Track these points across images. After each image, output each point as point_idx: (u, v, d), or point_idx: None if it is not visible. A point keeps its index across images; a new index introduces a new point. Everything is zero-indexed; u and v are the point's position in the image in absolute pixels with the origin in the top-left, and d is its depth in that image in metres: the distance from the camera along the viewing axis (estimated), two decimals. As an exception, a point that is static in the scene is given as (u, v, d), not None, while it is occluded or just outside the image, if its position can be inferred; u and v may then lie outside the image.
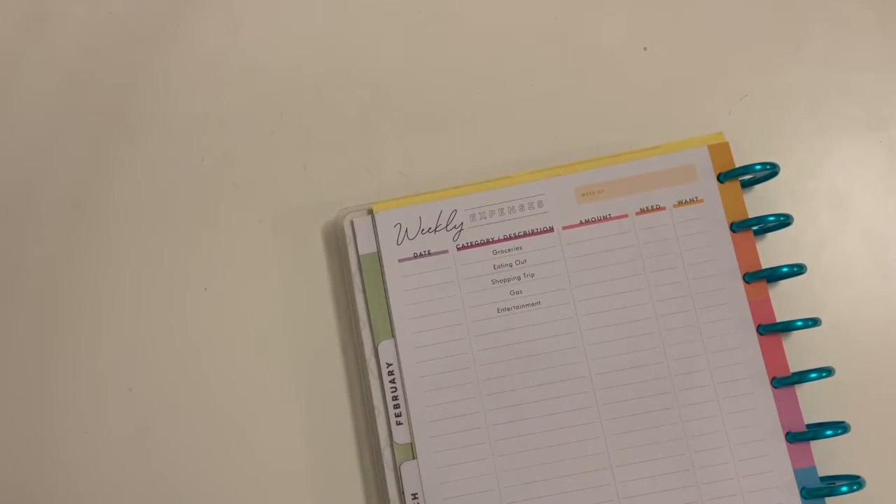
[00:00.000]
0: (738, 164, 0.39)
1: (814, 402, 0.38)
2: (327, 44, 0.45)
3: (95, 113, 0.44)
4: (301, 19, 0.45)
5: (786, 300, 0.39)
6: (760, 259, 0.39)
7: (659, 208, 0.39)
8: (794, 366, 0.38)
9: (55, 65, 0.45)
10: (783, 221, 0.39)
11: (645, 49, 0.44)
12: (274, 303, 0.42)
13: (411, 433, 0.38)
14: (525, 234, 0.40)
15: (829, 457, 0.37)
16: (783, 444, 0.37)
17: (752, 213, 0.39)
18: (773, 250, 0.40)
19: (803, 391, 0.38)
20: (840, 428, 0.36)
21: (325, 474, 0.40)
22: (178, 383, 0.41)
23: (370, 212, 0.41)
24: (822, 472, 0.37)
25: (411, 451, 0.38)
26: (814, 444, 0.37)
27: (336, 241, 0.42)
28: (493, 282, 0.40)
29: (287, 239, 0.43)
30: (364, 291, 0.40)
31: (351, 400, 0.41)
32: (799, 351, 0.39)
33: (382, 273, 0.40)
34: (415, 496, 0.38)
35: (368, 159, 0.43)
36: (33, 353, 0.42)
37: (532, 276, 0.39)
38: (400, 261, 0.40)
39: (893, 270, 0.41)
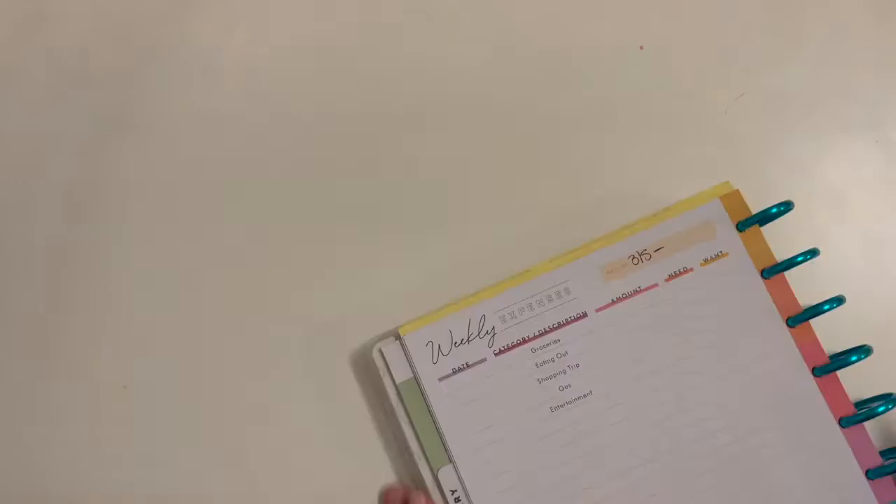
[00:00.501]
0: (749, 202, 0.39)
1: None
2: (327, 44, 0.44)
3: (94, 112, 0.44)
4: (301, 19, 0.44)
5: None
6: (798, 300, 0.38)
7: (686, 271, 0.39)
8: None
9: (54, 64, 0.44)
10: (811, 256, 0.38)
11: (641, 48, 0.43)
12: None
13: (495, 558, 0.37)
14: (560, 325, 0.39)
15: None
16: (865, 483, 0.36)
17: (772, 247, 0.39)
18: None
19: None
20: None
21: None
22: (174, 381, 0.41)
23: (398, 337, 0.39)
24: None
25: (499, 577, 0.37)
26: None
27: (367, 372, 0.40)
28: (539, 381, 0.38)
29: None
30: (410, 420, 0.38)
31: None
32: None
33: (424, 397, 0.38)
34: None
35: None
36: (30, 351, 0.41)
37: (577, 366, 0.38)
38: (440, 379, 0.38)
39: (890, 270, 0.41)
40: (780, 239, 0.40)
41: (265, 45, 0.44)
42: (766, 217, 0.39)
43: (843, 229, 0.41)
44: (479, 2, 0.44)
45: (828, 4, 0.44)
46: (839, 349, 0.39)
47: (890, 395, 0.37)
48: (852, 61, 0.43)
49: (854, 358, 0.37)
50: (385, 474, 0.40)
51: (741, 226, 0.39)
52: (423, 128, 0.43)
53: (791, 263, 0.38)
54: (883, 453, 0.37)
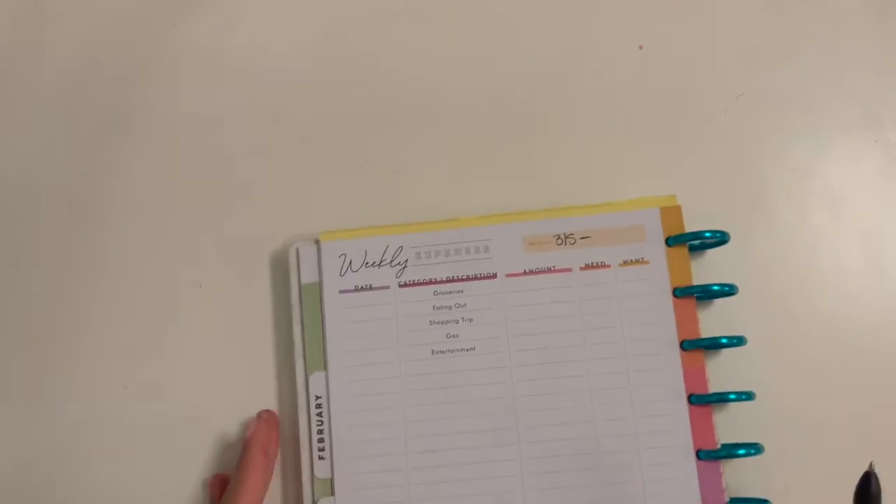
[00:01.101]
0: (688, 227, 0.39)
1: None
2: (326, 43, 0.45)
3: (92, 112, 0.45)
4: (299, 19, 0.45)
5: (778, 297, 0.40)
6: (700, 328, 0.38)
7: (604, 266, 0.39)
8: (786, 360, 0.38)
9: (53, 63, 0.45)
10: (727, 291, 0.38)
11: (641, 48, 0.43)
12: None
13: (332, 469, 0.38)
14: (468, 278, 0.39)
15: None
16: (702, 519, 0.36)
17: (699, 279, 0.39)
18: (767, 266, 0.40)
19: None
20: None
21: None
22: (174, 381, 0.41)
23: (317, 241, 0.40)
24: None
25: (330, 488, 0.38)
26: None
27: (282, 268, 0.42)
28: (431, 322, 0.39)
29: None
30: (302, 322, 0.40)
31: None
32: (795, 352, 0.39)
33: (322, 303, 0.40)
34: (328, 532, 0.37)
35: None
36: (29, 350, 0.42)
37: (470, 320, 0.39)
38: (341, 292, 0.40)
39: (889, 270, 0.40)
40: (781, 239, 0.40)
41: (265, 45, 0.45)
42: (696, 238, 0.38)
43: (842, 229, 0.41)
44: (480, 2, 0.45)
45: (827, 4, 0.43)
46: (838, 347, 0.39)
47: (756, 444, 0.37)
48: (851, 61, 0.43)
49: (733, 396, 0.37)
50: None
51: (671, 241, 0.39)
52: (422, 127, 0.43)
53: (706, 289, 0.38)
54: (731, 501, 0.37)
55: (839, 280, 0.40)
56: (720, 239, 0.39)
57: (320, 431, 0.38)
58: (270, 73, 0.45)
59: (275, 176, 0.43)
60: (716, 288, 0.38)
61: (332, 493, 0.38)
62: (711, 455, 0.37)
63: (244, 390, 0.41)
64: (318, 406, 0.39)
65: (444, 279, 0.40)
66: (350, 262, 0.40)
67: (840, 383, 0.39)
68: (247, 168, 0.43)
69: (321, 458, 0.38)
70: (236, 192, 0.43)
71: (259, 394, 0.41)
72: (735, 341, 0.37)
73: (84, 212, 0.43)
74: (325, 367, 0.39)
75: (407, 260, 0.40)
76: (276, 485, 0.40)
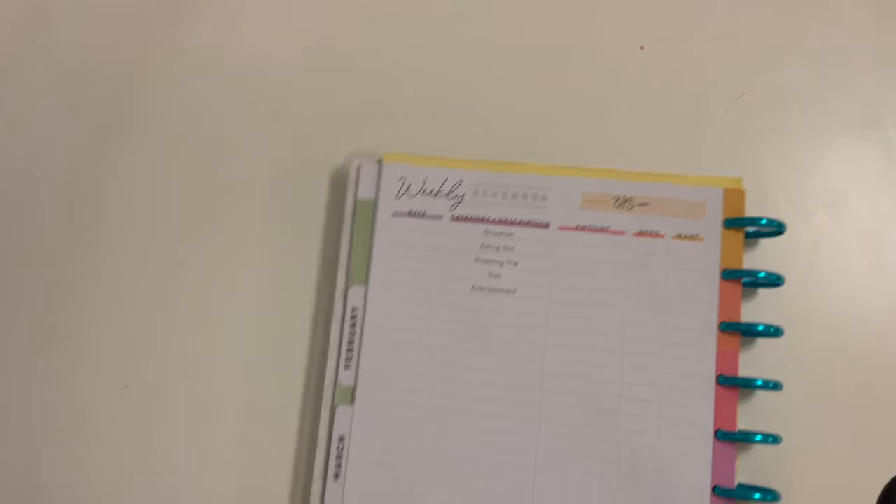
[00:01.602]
0: (746, 210, 0.39)
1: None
2: (325, 44, 0.45)
3: (92, 111, 0.44)
4: (299, 19, 0.45)
5: (778, 295, 0.39)
6: (741, 313, 0.38)
7: (657, 235, 0.39)
8: (787, 354, 0.38)
9: (53, 63, 0.45)
10: (773, 281, 0.38)
11: (642, 48, 0.43)
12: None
13: (356, 378, 0.39)
14: (520, 223, 0.40)
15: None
16: (708, 496, 0.37)
17: (748, 266, 0.39)
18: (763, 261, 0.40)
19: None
20: (770, 494, 0.36)
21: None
22: (174, 381, 0.41)
23: (379, 161, 0.41)
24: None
25: (351, 396, 0.39)
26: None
27: (341, 185, 0.42)
28: (477, 259, 0.40)
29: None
30: (351, 236, 0.40)
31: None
32: (794, 350, 0.39)
33: (374, 221, 0.40)
34: (342, 438, 0.38)
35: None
36: (30, 349, 0.42)
37: (515, 264, 0.39)
38: (394, 214, 0.40)
39: (889, 270, 0.40)
40: (781, 238, 0.40)
41: (265, 45, 0.45)
42: (754, 224, 0.38)
43: (843, 229, 0.41)
44: (480, 2, 0.45)
45: (827, 4, 0.43)
46: (840, 344, 0.39)
47: (774, 435, 0.37)
48: (852, 61, 0.42)
49: (759, 383, 0.37)
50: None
51: (728, 223, 0.39)
52: (420, 126, 0.43)
53: (753, 275, 0.38)
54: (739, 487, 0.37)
55: (840, 280, 0.40)
56: (777, 229, 0.39)
57: (350, 342, 0.39)
58: (272, 73, 0.44)
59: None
60: (762, 275, 0.38)
61: (352, 402, 0.38)
62: (729, 437, 0.37)
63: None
64: (353, 318, 0.40)
65: (497, 220, 0.40)
66: (408, 187, 0.41)
67: (845, 382, 0.39)
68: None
69: (347, 367, 0.39)
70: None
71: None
72: (773, 331, 0.37)
73: (84, 212, 0.43)
74: (367, 283, 0.40)
75: (464, 195, 0.40)
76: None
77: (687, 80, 0.43)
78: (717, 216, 0.39)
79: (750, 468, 0.38)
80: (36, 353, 0.42)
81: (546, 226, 0.40)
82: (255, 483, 0.40)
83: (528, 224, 0.40)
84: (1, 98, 0.45)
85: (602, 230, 0.39)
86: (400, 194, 0.41)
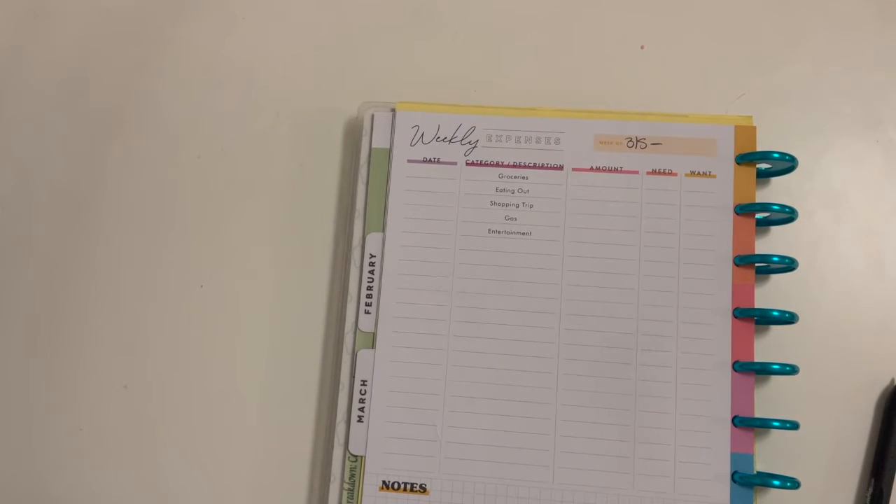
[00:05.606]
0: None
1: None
2: (325, 43, 0.45)
3: (92, 111, 0.45)
4: (299, 18, 0.45)
5: (777, 295, 0.40)
6: (756, 247, 0.39)
7: (671, 173, 0.40)
8: (785, 357, 0.38)
9: (52, 63, 0.45)
10: (787, 214, 0.38)
11: (642, 48, 0.44)
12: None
13: (376, 323, 0.39)
14: (535, 166, 0.40)
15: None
16: (728, 425, 0.37)
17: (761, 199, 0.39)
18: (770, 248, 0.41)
19: (781, 385, 0.39)
20: (789, 423, 0.36)
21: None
22: (174, 381, 0.41)
23: (393, 110, 0.41)
24: (762, 468, 0.37)
25: (372, 341, 0.39)
26: (762, 442, 0.37)
27: (355, 137, 0.43)
28: (492, 203, 0.40)
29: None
30: (367, 183, 0.41)
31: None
32: (795, 345, 0.39)
33: (389, 168, 0.41)
34: (364, 382, 0.39)
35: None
36: (29, 349, 0.42)
37: (531, 206, 0.40)
38: (409, 161, 0.41)
39: (889, 270, 0.40)
40: (781, 238, 0.40)
41: (265, 45, 0.45)
42: (766, 159, 0.39)
43: (843, 229, 0.41)
44: (479, 2, 0.45)
45: (827, 4, 0.43)
46: (842, 345, 0.39)
47: (792, 365, 0.37)
48: (852, 60, 0.43)
49: (776, 314, 0.37)
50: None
51: (740, 159, 0.39)
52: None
53: (766, 207, 0.38)
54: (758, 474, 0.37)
55: (840, 280, 0.40)
56: (789, 165, 0.39)
57: (369, 288, 0.40)
58: (272, 73, 0.45)
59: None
60: (776, 208, 0.38)
61: (373, 347, 0.39)
62: (747, 367, 0.37)
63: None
64: (372, 265, 0.40)
65: (511, 164, 0.40)
66: (422, 134, 0.41)
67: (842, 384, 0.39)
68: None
69: (367, 312, 0.39)
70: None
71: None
72: (787, 262, 0.38)
73: (84, 211, 0.43)
74: (384, 230, 0.40)
75: (478, 140, 0.41)
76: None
77: (687, 80, 0.43)
78: (730, 153, 0.39)
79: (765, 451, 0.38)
80: (36, 353, 0.42)
81: (560, 168, 0.40)
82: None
83: (542, 167, 0.40)
84: (1, 98, 0.45)
85: (616, 170, 0.40)
86: (414, 142, 0.41)
